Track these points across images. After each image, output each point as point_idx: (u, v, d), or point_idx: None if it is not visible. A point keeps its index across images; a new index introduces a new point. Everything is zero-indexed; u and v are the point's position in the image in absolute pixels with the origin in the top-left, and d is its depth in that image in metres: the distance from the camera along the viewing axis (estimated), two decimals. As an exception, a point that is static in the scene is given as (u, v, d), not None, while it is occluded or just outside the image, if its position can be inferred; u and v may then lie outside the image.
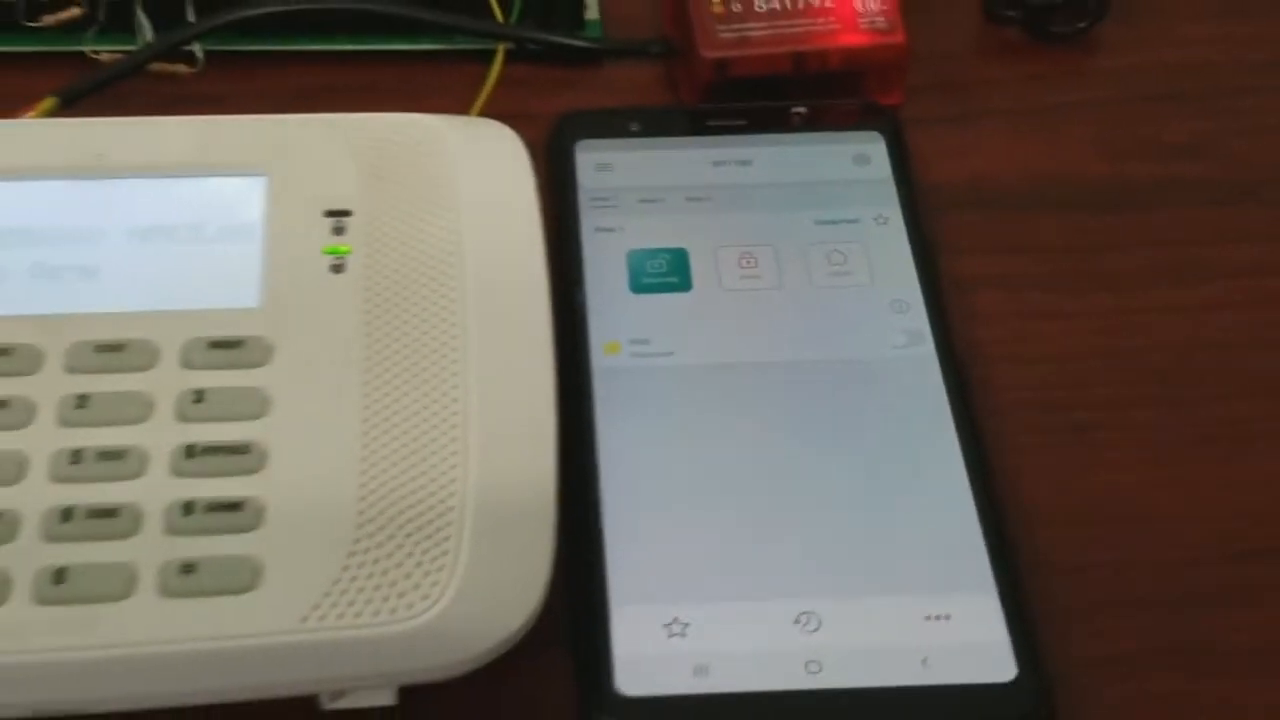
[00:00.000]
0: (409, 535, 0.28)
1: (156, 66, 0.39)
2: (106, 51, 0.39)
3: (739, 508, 0.31)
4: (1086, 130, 0.42)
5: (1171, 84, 0.43)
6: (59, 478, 0.28)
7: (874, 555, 0.31)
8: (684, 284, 0.35)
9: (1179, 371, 0.36)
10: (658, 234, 0.36)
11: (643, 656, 0.29)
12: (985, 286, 0.37)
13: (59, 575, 0.27)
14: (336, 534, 0.28)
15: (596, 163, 0.38)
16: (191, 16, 0.39)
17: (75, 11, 0.39)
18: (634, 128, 0.38)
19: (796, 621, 0.30)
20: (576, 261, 0.35)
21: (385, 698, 0.28)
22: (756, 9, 0.40)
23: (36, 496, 0.28)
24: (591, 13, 0.42)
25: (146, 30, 0.39)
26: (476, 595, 0.27)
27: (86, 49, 0.39)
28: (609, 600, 0.30)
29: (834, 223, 0.37)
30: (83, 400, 0.29)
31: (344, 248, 0.31)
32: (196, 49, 0.39)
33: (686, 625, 0.29)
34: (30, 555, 0.27)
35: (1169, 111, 0.42)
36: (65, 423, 0.28)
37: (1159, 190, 0.40)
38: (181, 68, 0.39)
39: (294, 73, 0.40)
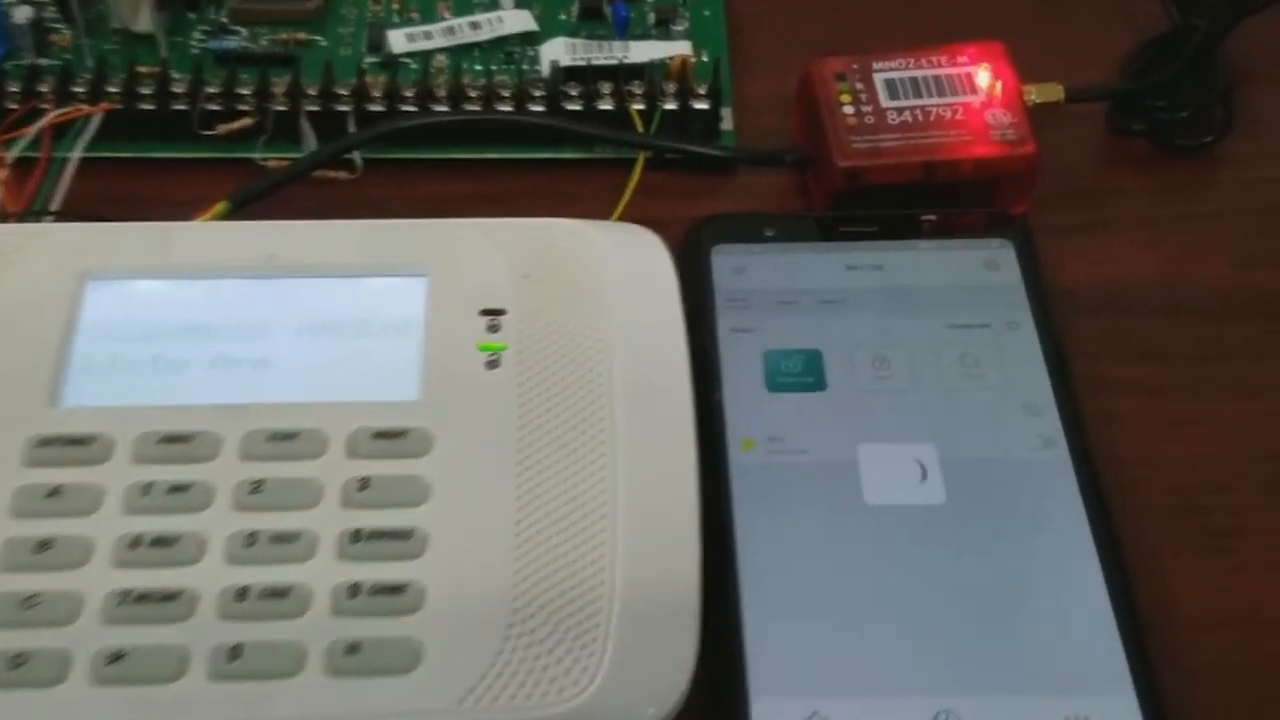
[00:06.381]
0: (560, 622, 0.29)
1: (319, 173, 0.42)
2: (274, 159, 0.42)
3: (876, 605, 0.32)
4: (1214, 240, 0.42)
5: (1297, 195, 0.44)
6: (234, 559, 0.30)
7: (1011, 655, 0.31)
8: (819, 384, 0.36)
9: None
10: (793, 335, 0.37)
11: (783, 748, 0.30)
12: (1119, 391, 0.38)
13: (234, 652, 0.28)
14: (493, 618, 0.29)
15: (732, 266, 0.39)
16: (352, 127, 0.42)
17: (246, 122, 0.42)
18: (768, 233, 0.40)
19: (935, 719, 0.30)
20: (713, 361, 0.36)
21: (534, 781, 0.29)
22: (889, 121, 0.41)
23: (214, 576, 0.29)
24: (726, 124, 0.44)
25: (310, 139, 0.42)
26: (624, 683, 0.28)
27: (256, 157, 0.42)
28: (749, 692, 0.30)
29: (966, 327, 0.37)
30: (257, 486, 0.30)
31: (499, 344, 0.33)
32: (356, 157, 0.42)
33: (827, 719, 0.30)
34: (207, 632, 0.29)
35: (1296, 221, 0.43)
36: (241, 507, 0.30)
37: (1290, 298, 0.41)
38: (342, 174, 0.42)
39: (445, 179, 0.43)
